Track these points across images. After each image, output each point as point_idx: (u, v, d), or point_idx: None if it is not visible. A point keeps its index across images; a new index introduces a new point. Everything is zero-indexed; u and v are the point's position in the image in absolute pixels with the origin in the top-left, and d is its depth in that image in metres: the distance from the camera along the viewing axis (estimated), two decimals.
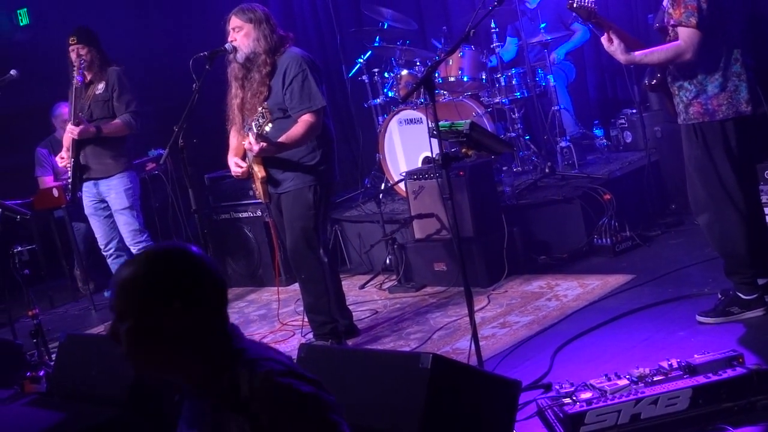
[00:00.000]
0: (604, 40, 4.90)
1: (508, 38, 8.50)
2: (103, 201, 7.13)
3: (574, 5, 4.93)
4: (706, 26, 4.65)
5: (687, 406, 3.83)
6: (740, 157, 4.87)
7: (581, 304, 5.87)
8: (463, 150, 4.93)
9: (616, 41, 4.84)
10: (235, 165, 5.70)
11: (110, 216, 7.15)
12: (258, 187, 5.73)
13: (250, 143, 5.30)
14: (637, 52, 4.86)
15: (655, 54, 4.81)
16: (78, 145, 6.99)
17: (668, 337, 4.97)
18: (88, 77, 7.04)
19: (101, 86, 7.02)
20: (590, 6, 4.91)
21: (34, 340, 6.05)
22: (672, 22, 4.73)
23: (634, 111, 8.12)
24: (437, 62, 5.19)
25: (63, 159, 7.10)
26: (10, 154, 9.47)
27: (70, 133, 6.96)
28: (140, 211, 7.21)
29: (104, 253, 7.30)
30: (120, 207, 7.07)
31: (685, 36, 4.67)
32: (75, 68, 6.98)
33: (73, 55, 6.99)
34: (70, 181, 7.13)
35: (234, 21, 5.57)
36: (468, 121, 4.99)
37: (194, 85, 5.34)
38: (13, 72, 6.80)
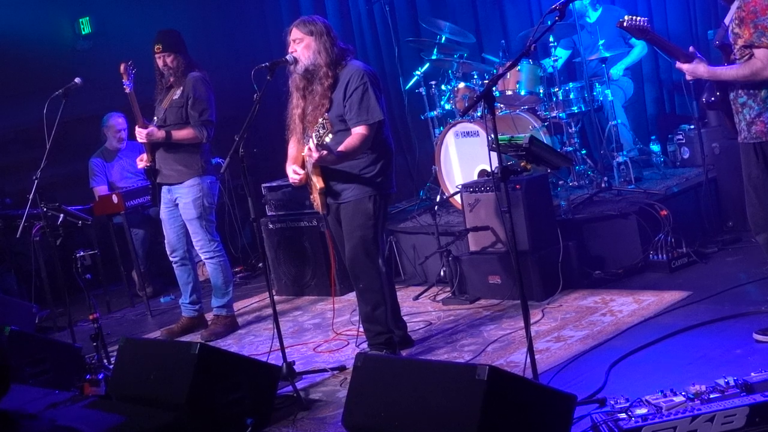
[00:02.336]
0: (679, 64, 4.96)
1: (559, 49, 8.47)
2: (177, 206, 7.11)
3: (625, 24, 4.97)
4: None
5: (743, 424, 3.81)
6: None
7: (636, 319, 5.85)
8: (522, 164, 4.94)
9: (694, 61, 4.90)
10: (293, 172, 5.75)
11: (183, 225, 7.13)
12: (315, 198, 5.77)
13: (310, 150, 5.33)
14: (717, 67, 4.91)
15: (732, 70, 4.84)
16: (152, 148, 7.03)
17: (724, 355, 4.94)
18: (171, 82, 7.06)
19: (179, 92, 6.99)
20: (642, 24, 4.95)
21: (94, 344, 6.14)
22: (742, 43, 4.74)
23: (692, 127, 8.08)
24: (497, 76, 5.23)
25: (142, 160, 7.15)
26: (70, 161, 9.62)
27: (138, 135, 7.03)
28: (213, 220, 7.14)
29: (170, 259, 7.31)
30: (188, 217, 7.05)
31: (762, 56, 4.71)
32: (124, 76, 6.97)
33: (159, 63, 7.02)
34: (150, 184, 7.21)
35: (295, 33, 5.64)
36: (527, 135, 5.02)
37: (255, 96, 5.42)
38: (77, 80, 6.88)
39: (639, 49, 8.59)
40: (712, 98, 5.10)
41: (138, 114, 7.05)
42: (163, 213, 7.21)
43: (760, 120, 4.83)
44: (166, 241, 7.29)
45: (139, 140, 7.05)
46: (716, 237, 7.38)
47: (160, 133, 6.95)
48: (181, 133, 6.97)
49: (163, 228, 7.26)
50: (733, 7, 4.85)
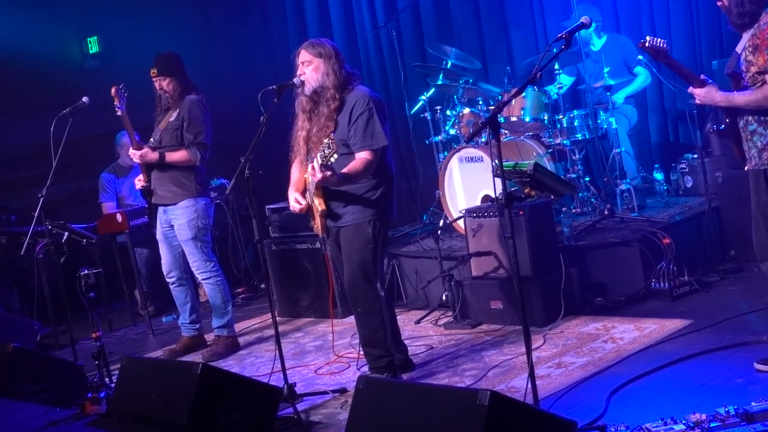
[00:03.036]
0: (692, 89, 5.00)
1: (563, 76, 8.51)
2: (172, 227, 7.17)
3: (647, 45, 5.02)
4: None
5: None
6: None
7: (638, 347, 5.86)
8: (526, 190, 4.97)
9: (707, 87, 4.94)
10: (295, 201, 5.78)
11: (179, 246, 7.18)
12: (316, 220, 5.79)
13: (313, 169, 5.34)
14: (730, 93, 4.94)
15: (745, 96, 4.89)
16: (147, 169, 7.10)
17: (725, 384, 4.94)
18: (168, 105, 7.12)
19: (175, 114, 7.06)
20: (662, 46, 5.00)
21: (96, 362, 6.15)
22: (755, 69, 4.79)
23: (696, 156, 8.12)
24: (502, 103, 5.24)
25: (140, 180, 7.19)
26: (77, 179, 9.66)
27: (132, 156, 7.11)
28: (208, 240, 7.20)
29: (167, 280, 7.37)
30: (183, 238, 7.11)
31: None
32: (116, 99, 7.04)
33: (156, 86, 7.10)
34: (146, 205, 7.26)
35: (303, 55, 5.67)
36: (532, 162, 5.04)
37: (262, 118, 5.45)
38: (85, 99, 6.95)
39: (642, 78, 8.62)
40: (722, 126, 5.13)
41: (132, 135, 7.13)
42: (160, 234, 7.27)
43: None
44: (162, 262, 7.34)
45: (134, 161, 7.12)
46: (718, 266, 7.40)
47: (154, 155, 7.02)
48: (175, 156, 7.03)
49: (160, 249, 7.32)
50: (746, 35, 4.90)
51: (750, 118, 4.94)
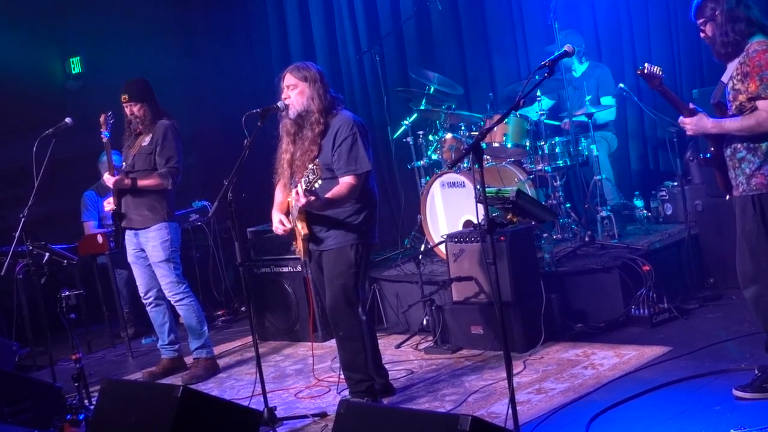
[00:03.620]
0: (682, 118, 5.05)
1: (544, 101, 8.54)
2: (143, 250, 7.23)
3: (645, 71, 5.07)
4: None
5: None
6: None
7: (617, 373, 5.88)
8: (509, 216, 5.00)
9: (697, 116, 4.99)
10: (279, 222, 5.80)
11: (150, 266, 7.24)
12: (299, 244, 5.81)
13: (297, 194, 5.36)
14: (720, 120, 5.00)
15: (736, 122, 4.92)
16: (118, 194, 7.15)
17: (704, 411, 4.97)
18: (139, 129, 7.18)
19: (148, 139, 7.14)
20: (658, 73, 5.06)
21: (76, 384, 6.13)
22: (745, 97, 4.85)
23: (676, 183, 8.17)
24: (486, 130, 5.26)
25: (109, 204, 7.24)
26: (58, 199, 9.62)
27: (107, 182, 7.16)
28: (179, 263, 7.29)
29: (144, 301, 7.40)
30: (157, 260, 7.16)
31: (767, 107, 4.80)
32: (103, 126, 7.15)
33: (127, 111, 7.17)
34: (113, 228, 7.26)
35: (289, 78, 5.70)
36: (515, 188, 5.06)
37: (245, 141, 5.47)
38: (68, 120, 6.96)
39: (608, 111, 8.67)
40: (708, 154, 5.17)
41: (110, 161, 7.19)
42: (131, 257, 7.32)
43: (760, 172, 4.91)
44: (138, 284, 7.38)
45: (109, 185, 7.16)
46: (697, 293, 7.44)
47: (127, 181, 7.08)
48: (146, 181, 7.10)
49: (134, 271, 7.37)
50: (733, 64, 4.95)
51: (739, 145, 4.98)
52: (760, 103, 4.82)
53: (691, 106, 5.12)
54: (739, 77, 4.90)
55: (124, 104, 7.15)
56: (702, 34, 5.07)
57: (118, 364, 8.29)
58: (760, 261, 5.00)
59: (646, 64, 5.15)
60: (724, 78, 5.03)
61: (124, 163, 7.19)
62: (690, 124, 5.08)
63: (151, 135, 7.14)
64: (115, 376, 7.62)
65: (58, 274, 8.10)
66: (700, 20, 5.02)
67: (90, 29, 10.62)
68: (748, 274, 5.07)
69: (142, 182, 7.09)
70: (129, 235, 7.24)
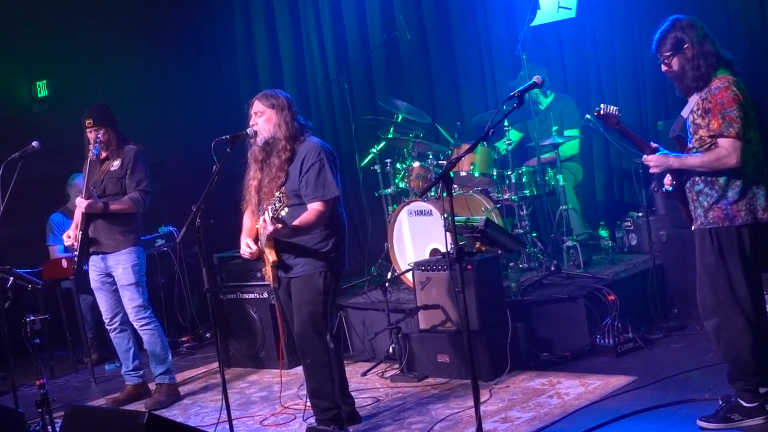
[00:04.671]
0: (645, 157, 5.10)
1: (512, 132, 8.60)
2: (109, 275, 7.20)
3: (602, 113, 5.13)
4: (743, 135, 4.86)
5: None
6: (751, 265, 5.01)
7: (583, 403, 5.91)
8: (477, 245, 5.03)
9: (660, 154, 5.07)
10: (246, 245, 5.79)
11: (116, 290, 7.22)
12: (267, 270, 5.80)
13: (265, 222, 5.38)
14: (683, 156, 5.06)
15: (698, 158, 4.99)
16: (87, 218, 7.10)
17: None
18: (104, 155, 7.17)
19: (117, 163, 7.15)
20: (614, 113, 5.12)
21: (39, 410, 6.05)
22: (706, 133, 4.92)
23: (641, 214, 8.25)
24: (455, 159, 5.30)
25: (69, 238, 7.20)
26: (23, 223, 9.56)
27: (79, 205, 7.09)
28: (145, 288, 7.29)
29: (108, 327, 7.37)
30: (126, 282, 7.15)
31: (728, 145, 4.88)
32: (91, 143, 7.12)
33: (90, 136, 7.15)
34: (77, 254, 7.21)
35: (257, 105, 5.72)
36: (483, 217, 5.10)
37: (214, 167, 5.46)
38: (35, 143, 6.95)
39: (572, 145, 8.76)
40: (671, 188, 5.23)
41: (87, 183, 7.14)
42: (96, 283, 7.29)
43: (717, 206, 4.97)
44: (102, 310, 7.35)
45: (81, 210, 7.08)
46: (662, 323, 7.49)
47: (100, 204, 7.05)
48: (118, 206, 7.10)
49: (97, 297, 7.36)
50: (693, 99, 5.01)
51: (697, 178, 5.05)
52: (721, 141, 4.89)
53: (653, 144, 5.18)
54: (699, 112, 4.97)
55: (88, 129, 7.13)
56: (664, 68, 5.10)
57: (81, 390, 8.22)
58: (719, 293, 5.05)
59: (602, 105, 5.22)
60: (684, 112, 5.11)
61: (93, 188, 7.15)
62: (653, 161, 5.13)
63: (120, 159, 7.15)
64: (79, 401, 7.54)
65: (22, 298, 8.00)
66: (666, 53, 5.06)
67: (57, 53, 10.62)
68: (708, 306, 5.12)
69: (114, 206, 7.07)
70: (95, 260, 7.19)
